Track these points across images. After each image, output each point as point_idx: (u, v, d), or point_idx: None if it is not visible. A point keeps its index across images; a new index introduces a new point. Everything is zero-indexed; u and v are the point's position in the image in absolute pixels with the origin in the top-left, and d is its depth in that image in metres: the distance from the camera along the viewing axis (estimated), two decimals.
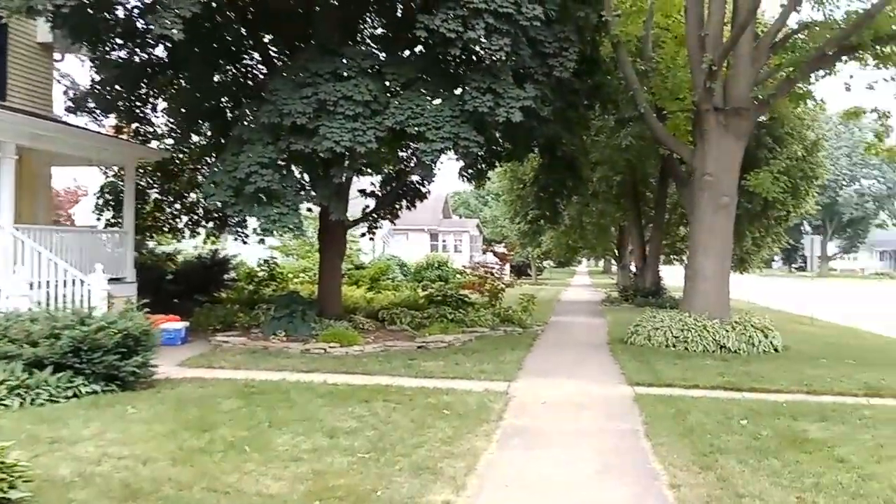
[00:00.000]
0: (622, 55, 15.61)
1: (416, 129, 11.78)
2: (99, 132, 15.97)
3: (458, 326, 15.41)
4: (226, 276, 20.71)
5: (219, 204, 12.57)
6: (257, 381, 9.66)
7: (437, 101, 12.30)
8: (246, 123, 12.80)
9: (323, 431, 7.01)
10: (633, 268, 34.34)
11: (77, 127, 14.93)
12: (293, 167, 13.11)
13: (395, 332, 14.98)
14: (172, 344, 13.00)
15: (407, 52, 14.35)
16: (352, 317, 15.64)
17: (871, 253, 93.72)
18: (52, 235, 12.95)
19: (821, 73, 14.56)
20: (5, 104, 13.81)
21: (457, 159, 12.90)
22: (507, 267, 43.52)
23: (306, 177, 14.11)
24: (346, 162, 12.39)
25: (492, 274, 20.42)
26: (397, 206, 18.47)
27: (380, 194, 17.96)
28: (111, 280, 12.38)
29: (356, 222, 17.79)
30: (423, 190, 18.26)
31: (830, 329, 20.10)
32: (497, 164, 18.90)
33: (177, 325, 13.64)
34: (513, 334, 16.03)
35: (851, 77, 35.03)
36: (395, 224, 44.99)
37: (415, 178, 17.43)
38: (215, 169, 12.83)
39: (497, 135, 14.17)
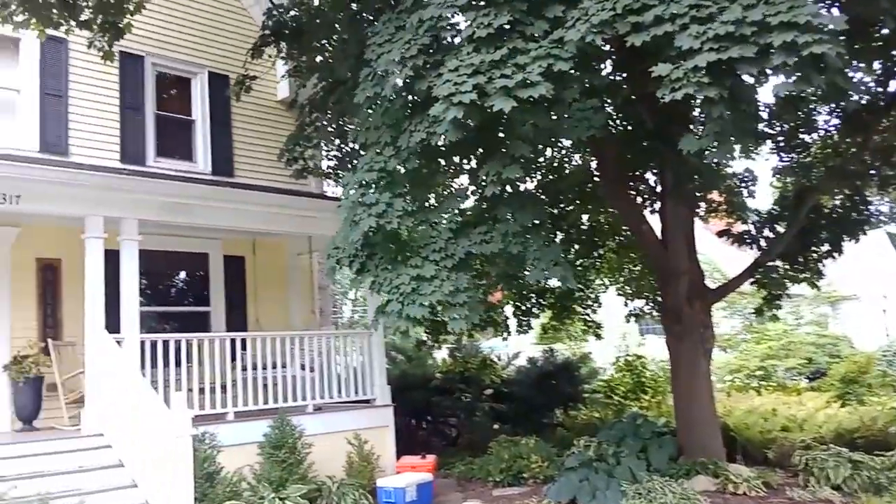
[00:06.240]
0: None
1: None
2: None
3: None
4: (581, 388, 13.99)
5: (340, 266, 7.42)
6: None
7: None
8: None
9: None
10: None
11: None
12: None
13: None
14: None
15: None
16: (725, 466, 8.25)
17: None
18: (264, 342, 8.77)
19: None
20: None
21: None
22: None
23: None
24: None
25: None
26: (813, 254, 10.33)
27: (764, 237, 10.42)
28: (343, 404, 9.23)
29: (724, 289, 10.19)
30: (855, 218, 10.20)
31: None
32: None
33: (408, 478, 8.10)
34: None
35: None
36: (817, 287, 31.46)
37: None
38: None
39: None
